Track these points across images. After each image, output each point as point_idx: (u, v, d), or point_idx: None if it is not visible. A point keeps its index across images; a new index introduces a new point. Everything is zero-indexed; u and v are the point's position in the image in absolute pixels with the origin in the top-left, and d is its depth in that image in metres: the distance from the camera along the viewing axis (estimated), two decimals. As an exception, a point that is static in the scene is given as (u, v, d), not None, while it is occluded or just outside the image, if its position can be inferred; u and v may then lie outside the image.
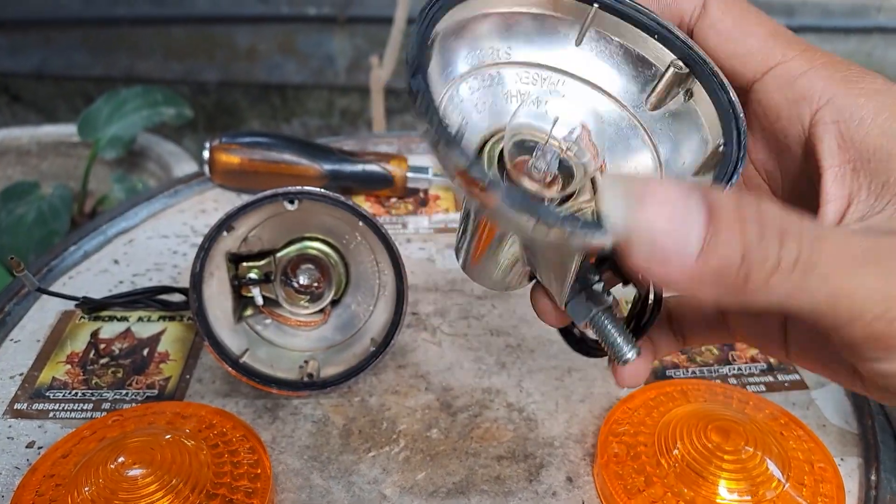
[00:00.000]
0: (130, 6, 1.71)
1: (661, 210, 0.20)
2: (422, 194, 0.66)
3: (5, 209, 0.85)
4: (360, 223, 0.46)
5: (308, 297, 0.49)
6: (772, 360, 0.49)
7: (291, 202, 0.45)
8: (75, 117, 1.85)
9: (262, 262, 0.49)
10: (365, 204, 0.65)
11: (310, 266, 0.49)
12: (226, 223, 0.45)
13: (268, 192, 0.45)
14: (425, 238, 0.62)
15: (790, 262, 0.21)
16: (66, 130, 1.06)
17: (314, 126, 1.91)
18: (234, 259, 0.48)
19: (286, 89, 1.85)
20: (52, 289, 0.54)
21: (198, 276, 0.45)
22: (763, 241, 0.21)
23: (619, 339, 0.28)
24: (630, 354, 0.28)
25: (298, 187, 0.45)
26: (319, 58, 1.78)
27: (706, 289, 0.21)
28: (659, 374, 0.48)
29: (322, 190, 0.45)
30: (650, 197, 0.20)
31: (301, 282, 0.49)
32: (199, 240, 0.61)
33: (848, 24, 1.72)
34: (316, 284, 0.49)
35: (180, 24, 1.73)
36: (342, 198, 0.45)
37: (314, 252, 0.49)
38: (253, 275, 0.48)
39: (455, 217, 0.64)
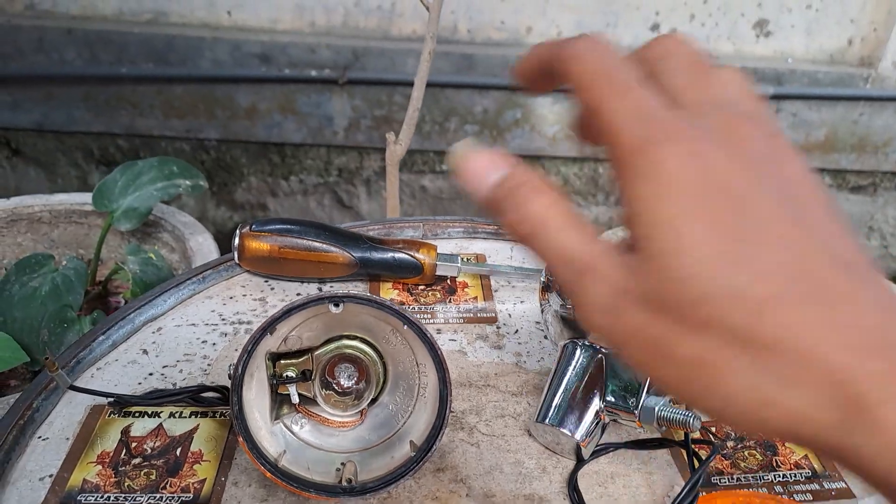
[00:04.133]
0: (134, 65, 1.72)
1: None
2: (450, 282, 0.66)
3: (19, 281, 0.83)
4: (405, 327, 0.46)
5: (348, 397, 0.49)
6: (816, 466, 0.49)
7: (336, 305, 0.45)
8: (75, 171, 1.85)
9: (300, 360, 0.48)
10: (392, 291, 0.65)
11: (349, 365, 0.49)
12: (270, 326, 0.45)
13: (314, 297, 0.44)
14: (455, 328, 0.62)
15: None
16: (79, 199, 1.05)
17: (312, 183, 1.93)
18: (273, 357, 0.48)
19: (285, 147, 1.86)
20: (80, 381, 0.53)
21: (239, 379, 0.45)
22: None
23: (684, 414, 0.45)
24: (697, 423, 0.45)
25: (344, 292, 0.45)
26: (318, 117, 1.80)
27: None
28: (704, 482, 0.48)
29: (369, 294, 0.45)
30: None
31: (342, 383, 0.48)
32: (228, 328, 0.61)
33: (835, 92, 1.77)
34: (356, 385, 0.49)
35: (182, 83, 1.75)
36: (388, 302, 0.45)
37: (353, 352, 0.49)
38: (291, 373, 0.48)
39: (484, 306, 0.64)
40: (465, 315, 0.63)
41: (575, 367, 0.50)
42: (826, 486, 0.48)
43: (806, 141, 1.82)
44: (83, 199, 1.04)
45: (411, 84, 1.73)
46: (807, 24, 1.78)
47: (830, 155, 1.85)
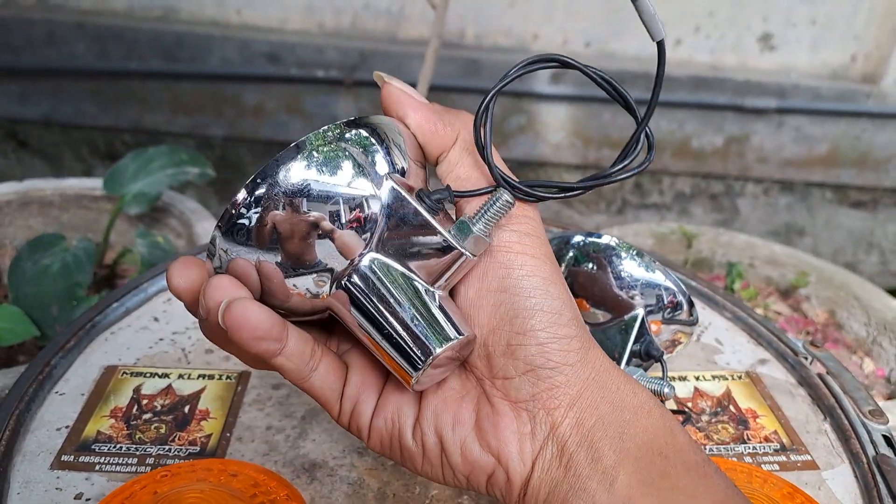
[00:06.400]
0: (143, 61, 1.74)
1: None
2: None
3: (31, 259, 0.85)
4: None
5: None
6: (784, 441, 0.51)
7: None
8: (80, 165, 1.87)
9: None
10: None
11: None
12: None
13: None
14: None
15: None
16: (90, 184, 1.07)
17: (315, 183, 1.95)
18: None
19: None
20: (94, 344, 0.55)
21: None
22: None
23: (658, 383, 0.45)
24: (670, 392, 0.45)
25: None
26: (324, 117, 1.81)
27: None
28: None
29: None
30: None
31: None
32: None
33: (838, 107, 1.78)
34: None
35: (190, 80, 1.76)
36: None
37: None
38: None
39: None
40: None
41: None
42: (792, 458, 0.50)
43: (808, 155, 1.84)
44: (93, 183, 1.06)
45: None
46: (811, 39, 1.80)
47: (832, 170, 1.86)
